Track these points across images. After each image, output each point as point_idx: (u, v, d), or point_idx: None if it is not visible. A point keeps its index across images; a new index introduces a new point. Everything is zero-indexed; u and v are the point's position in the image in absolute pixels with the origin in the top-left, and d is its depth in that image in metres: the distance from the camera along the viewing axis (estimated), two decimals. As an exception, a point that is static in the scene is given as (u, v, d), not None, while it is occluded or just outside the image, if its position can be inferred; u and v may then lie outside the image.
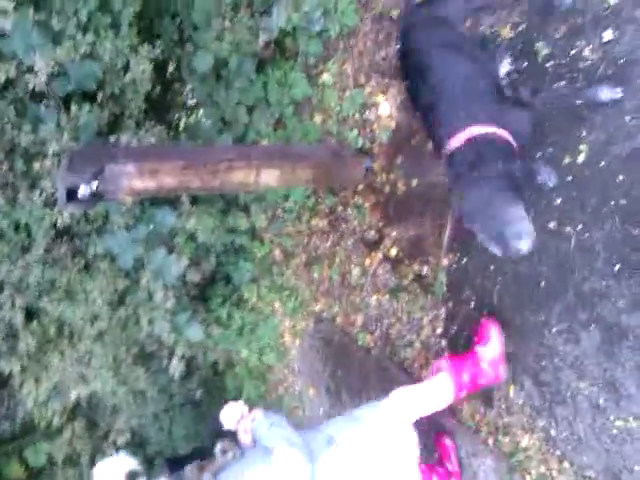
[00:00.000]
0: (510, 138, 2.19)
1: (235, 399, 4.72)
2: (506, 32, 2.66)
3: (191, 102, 4.33)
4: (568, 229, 2.43)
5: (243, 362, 4.30)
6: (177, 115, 4.28)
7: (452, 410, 2.86)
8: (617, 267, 2.27)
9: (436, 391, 2.48)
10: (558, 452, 2.47)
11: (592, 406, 2.36)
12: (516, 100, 2.45)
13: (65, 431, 3.50)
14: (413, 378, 3.07)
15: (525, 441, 2.56)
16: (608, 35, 2.28)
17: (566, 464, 2.43)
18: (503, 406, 2.67)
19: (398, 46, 2.65)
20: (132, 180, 2.61)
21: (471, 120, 2.20)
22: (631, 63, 2.23)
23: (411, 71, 2.52)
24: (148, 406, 3.93)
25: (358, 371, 3.36)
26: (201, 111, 4.01)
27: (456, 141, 2.20)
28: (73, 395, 3.29)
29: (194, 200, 3.30)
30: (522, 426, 2.59)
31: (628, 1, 2.21)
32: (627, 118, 2.24)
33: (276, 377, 4.41)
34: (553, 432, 2.49)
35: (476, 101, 2.25)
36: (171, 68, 4.04)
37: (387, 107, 3.31)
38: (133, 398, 3.73)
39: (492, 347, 2.58)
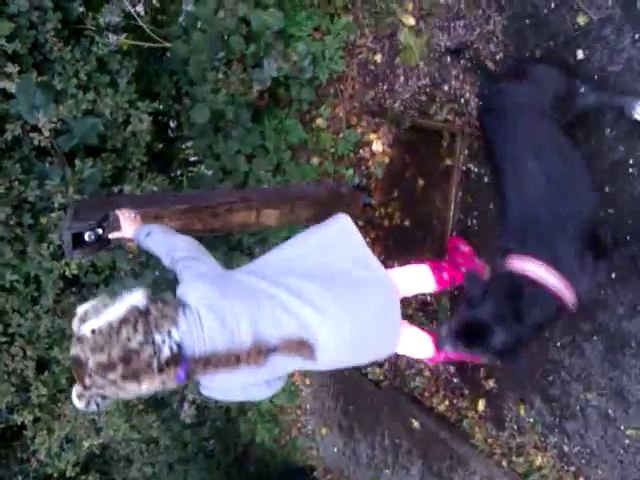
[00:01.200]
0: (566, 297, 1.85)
1: (249, 444, 4.65)
2: (490, 66, 2.77)
3: (193, 158, 4.49)
4: (562, 243, 2.47)
5: (255, 406, 4.28)
6: (180, 171, 4.41)
7: (465, 435, 2.84)
8: (613, 275, 2.31)
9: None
10: (573, 468, 2.45)
11: (602, 417, 2.35)
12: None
13: (78, 483, 3.49)
14: (424, 407, 3.06)
15: (539, 460, 2.54)
16: (580, 54, 2.39)
17: (581, 479, 2.41)
18: (515, 426, 2.66)
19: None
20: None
21: (537, 257, 1.85)
22: (604, 79, 2.32)
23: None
24: (162, 455, 3.90)
25: (369, 405, 3.35)
26: (203, 166, 4.14)
27: (510, 266, 1.90)
28: (86, 444, 3.28)
29: (198, 244, 3.37)
30: (535, 445, 2.57)
31: (596, 21, 2.32)
32: (607, 131, 2.32)
33: (289, 418, 4.37)
34: (566, 448, 2.47)
35: (552, 235, 1.87)
36: (172, 125, 4.20)
37: (379, 144, 3.42)
38: (146, 447, 3.71)
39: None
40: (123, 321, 1.67)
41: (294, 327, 1.90)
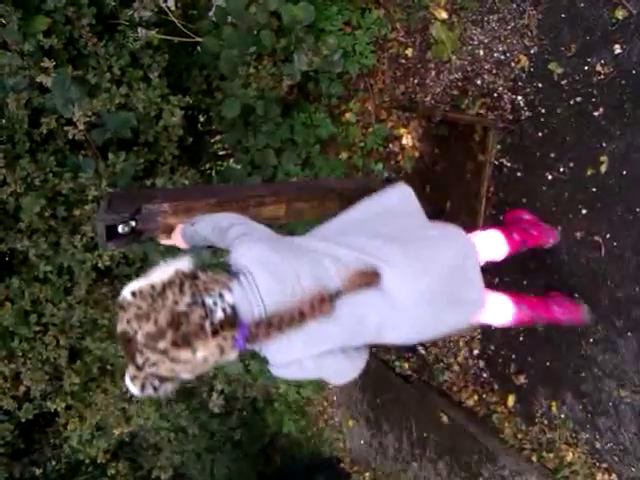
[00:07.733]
0: None
1: (276, 435, 4.70)
2: (524, 61, 2.75)
3: (222, 152, 4.52)
4: (597, 238, 2.45)
5: (282, 397, 4.32)
6: (209, 165, 4.45)
7: (494, 430, 2.84)
8: (649, 270, 2.29)
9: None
10: (604, 465, 2.44)
11: (635, 414, 2.33)
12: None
13: (109, 469, 3.55)
14: (452, 401, 3.06)
15: (570, 456, 2.53)
16: (618, 49, 2.36)
17: (614, 476, 2.40)
18: (545, 422, 2.65)
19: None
20: (168, 218, 2.72)
21: None
22: (642, 75, 2.29)
23: None
24: (190, 444, 3.96)
25: (397, 399, 3.36)
26: (232, 160, 4.16)
27: None
28: (116, 432, 3.34)
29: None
30: (566, 440, 2.57)
31: (635, 14, 2.29)
32: (644, 125, 2.30)
33: (315, 410, 4.41)
34: (598, 444, 2.46)
35: None
36: (202, 119, 4.23)
37: (410, 138, 3.42)
38: (175, 436, 3.77)
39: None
40: (168, 284, 1.52)
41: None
